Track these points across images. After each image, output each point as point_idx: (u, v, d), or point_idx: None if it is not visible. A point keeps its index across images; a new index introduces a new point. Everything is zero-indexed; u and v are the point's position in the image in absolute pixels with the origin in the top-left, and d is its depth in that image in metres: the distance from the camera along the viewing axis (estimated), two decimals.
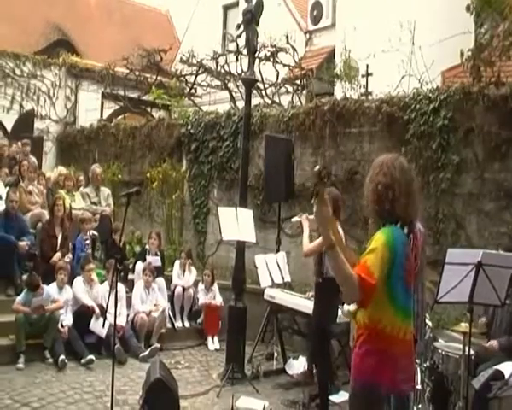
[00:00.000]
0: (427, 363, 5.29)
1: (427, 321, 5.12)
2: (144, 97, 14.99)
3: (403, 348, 3.09)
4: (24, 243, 8.02)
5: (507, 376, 4.66)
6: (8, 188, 8.94)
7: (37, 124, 14.51)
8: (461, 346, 4.95)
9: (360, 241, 7.32)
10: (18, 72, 14.52)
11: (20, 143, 11.08)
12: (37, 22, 19.07)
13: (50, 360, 6.92)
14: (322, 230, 2.93)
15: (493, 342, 5.38)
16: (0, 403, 5.63)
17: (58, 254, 8.05)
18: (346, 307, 5.29)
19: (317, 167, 2.78)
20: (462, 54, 7.37)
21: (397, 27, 9.66)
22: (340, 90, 10.54)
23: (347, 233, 5.78)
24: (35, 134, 14.01)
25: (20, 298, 7.11)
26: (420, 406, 5.13)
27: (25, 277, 7.84)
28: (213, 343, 8.30)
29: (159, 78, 14.68)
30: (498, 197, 7.01)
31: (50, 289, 7.34)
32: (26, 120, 13.96)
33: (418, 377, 5.07)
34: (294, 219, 5.98)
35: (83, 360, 6.99)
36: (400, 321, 3.07)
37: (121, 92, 14.86)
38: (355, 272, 2.90)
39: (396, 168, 3.16)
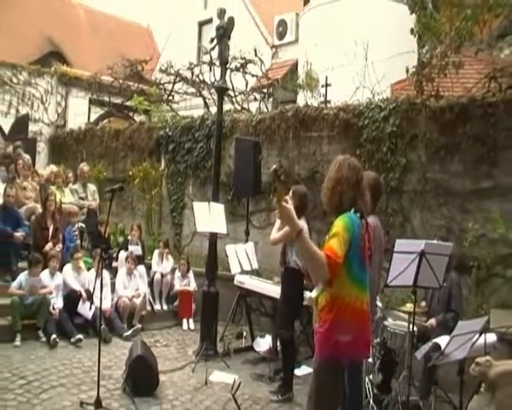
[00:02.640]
0: (378, 339, 5.37)
1: (377, 303, 5.21)
2: (127, 103, 14.84)
3: (360, 317, 3.17)
4: (19, 234, 7.97)
5: (443, 347, 4.79)
6: (5, 184, 8.91)
7: (32, 127, 14.32)
8: (406, 324, 5.06)
9: (320, 232, 7.38)
10: (15, 80, 14.35)
11: (11, 147, 11.12)
12: (32, 35, 18.94)
13: (43, 339, 6.86)
14: (286, 222, 2.96)
15: (432, 321, 5.49)
16: (0, 376, 5.63)
17: (50, 244, 8.00)
18: (308, 294, 5.32)
19: (274, 166, 2.77)
20: (407, 70, 7.47)
21: (352, 45, 9.77)
22: (303, 99, 10.61)
23: (308, 225, 5.81)
24: (29, 136, 13.85)
25: (14, 283, 7.06)
26: (371, 376, 5.22)
27: (20, 264, 7.82)
28: (188, 325, 8.29)
29: (140, 85, 14.56)
30: (438, 195, 7.13)
31: (43, 275, 7.28)
32: (21, 124, 13.79)
33: (370, 352, 5.16)
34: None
35: (72, 339, 6.94)
36: (357, 292, 3.16)
37: (106, 98, 14.74)
38: (323, 253, 2.97)
39: (345, 166, 3.27)
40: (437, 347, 5.04)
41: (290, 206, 2.90)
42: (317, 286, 3.23)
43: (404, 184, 7.46)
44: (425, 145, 7.25)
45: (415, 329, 4.95)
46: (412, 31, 7.54)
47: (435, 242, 5.03)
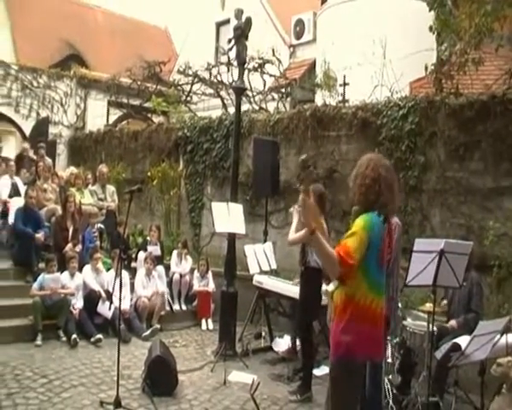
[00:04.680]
0: (397, 339, 5.34)
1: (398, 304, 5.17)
2: (145, 104, 15.00)
3: (374, 320, 3.15)
4: (40, 235, 8.07)
5: (463, 347, 4.74)
6: (26, 186, 9.05)
7: (52, 129, 14.55)
8: (425, 323, 5.02)
9: (339, 231, 7.36)
10: (35, 83, 14.67)
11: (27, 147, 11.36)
12: (51, 39, 19.26)
13: (64, 339, 6.96)
14: (304, 216, 2.96)
15: (453, 322, 5.44)
16: (22, 375, 5.72)
17: (69, 245, 8.07)
18: (324, 287, 5.29)
19: (303, 156, 2.81)
20: (426, 68, 7.44)
21: (370, 43, 9.73)
22: (321, 98, 10.60)
23: (327, 225, 5.79)
24: (49, 138, 14.02)
25: (35, 285, 7.15)
26: (390, 376, 5.18)
27: (41, 265, 7.88)
28: (206, 325, 8.31)
29: (158, 87, 14.69)
30: (458, 193, 7.08)
31: (63, 276, 7.38)
32: (41, 126, 14.02)
33: (389, 352, 5.13)
34: (291, 209, 5.93)
35: (92, 339, 7.02)
36: (373, 295, 3.13)
37: (125, 100, 14.91)
38: (336, 251, 2.97)
39: (382, 166, 3.24)
40: (457, 347, 4.99)
41: (313, 204, 2.91)
42: (334, 281, 3.24)
43: (424, 183, 7.42)
44: (444, 143, 7.20)
45: (435, 328, 4.92)
46: (431, 28, 7.50)
47: (455, 241, 4.98)
